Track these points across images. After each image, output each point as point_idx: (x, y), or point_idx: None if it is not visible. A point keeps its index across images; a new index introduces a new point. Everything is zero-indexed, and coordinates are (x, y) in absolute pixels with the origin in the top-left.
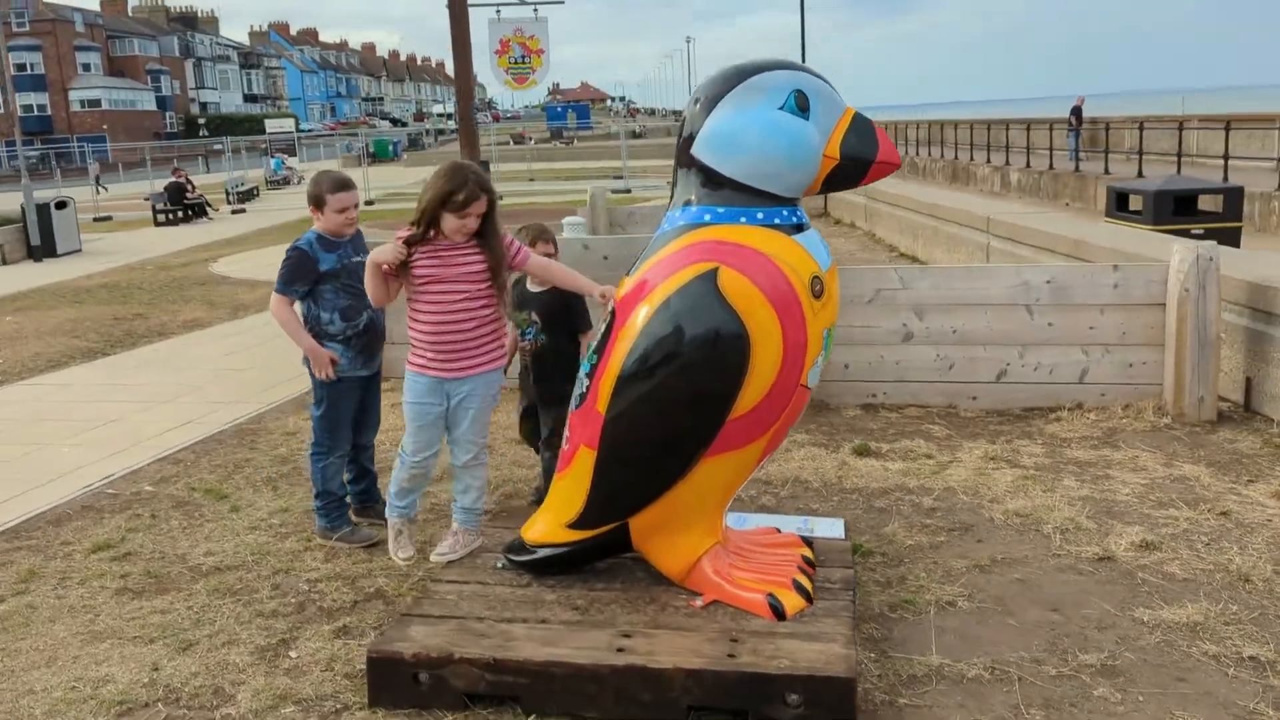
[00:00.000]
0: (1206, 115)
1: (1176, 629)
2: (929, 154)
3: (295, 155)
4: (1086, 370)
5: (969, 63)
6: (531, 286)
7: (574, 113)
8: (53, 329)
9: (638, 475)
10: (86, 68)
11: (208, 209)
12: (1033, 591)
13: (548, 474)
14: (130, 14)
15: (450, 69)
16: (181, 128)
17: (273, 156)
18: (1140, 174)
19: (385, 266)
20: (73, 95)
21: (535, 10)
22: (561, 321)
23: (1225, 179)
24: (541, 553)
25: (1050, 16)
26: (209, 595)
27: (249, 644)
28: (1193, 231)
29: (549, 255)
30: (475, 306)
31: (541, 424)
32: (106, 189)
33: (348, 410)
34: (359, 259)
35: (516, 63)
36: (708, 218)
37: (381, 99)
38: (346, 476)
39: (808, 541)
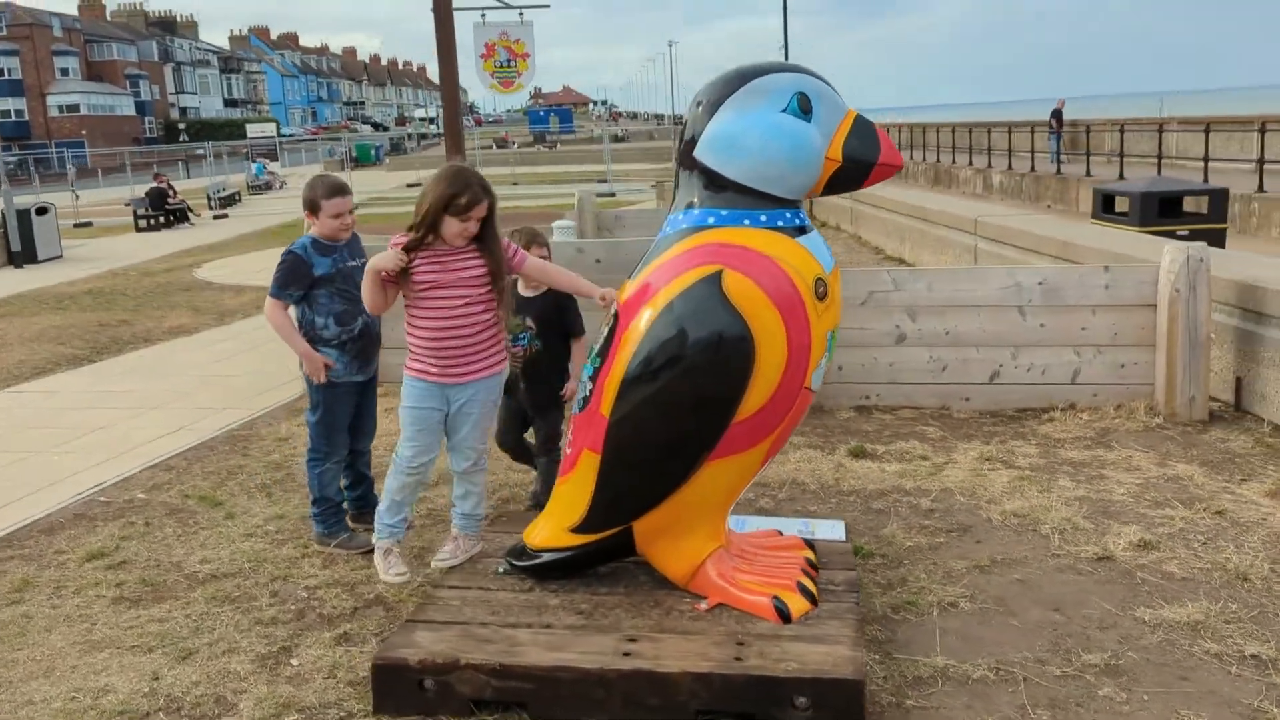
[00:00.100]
0: (1186, 118)
1: (1178, 628)
2: (911, 157)
3: (277, 160)
4: (1079, 371)
5: (950, 66)
6: (524, 291)
7: (556, 117)
8: (37, 335)
9: (642, 479)
10: (64, 72)
11: (189, 214)
12: (1033, 592)
13: (545, 479)
14: (108, 18)
15: (432, 73)
16: (161, 133)
17: (254, 161)
18: (1121, 176)
19: (385, 274)
20: (50, 100)
21: (520, 14)
22: (556, 326)
23: (1205, 180)
24: (545, 557)
25: (1030, 20)
26: (207, 603)
27: (249, 652)
28: (1178, 233)
29: (543, 259)
30: (476, 311)
31: (535, 430)
32: (77, 195)
33: (344, 415)
34: (354, 263)
35: (502, 67)
36: (711, 220)
37: (363, 103)
38: (343, 482)
39: (809, 544)
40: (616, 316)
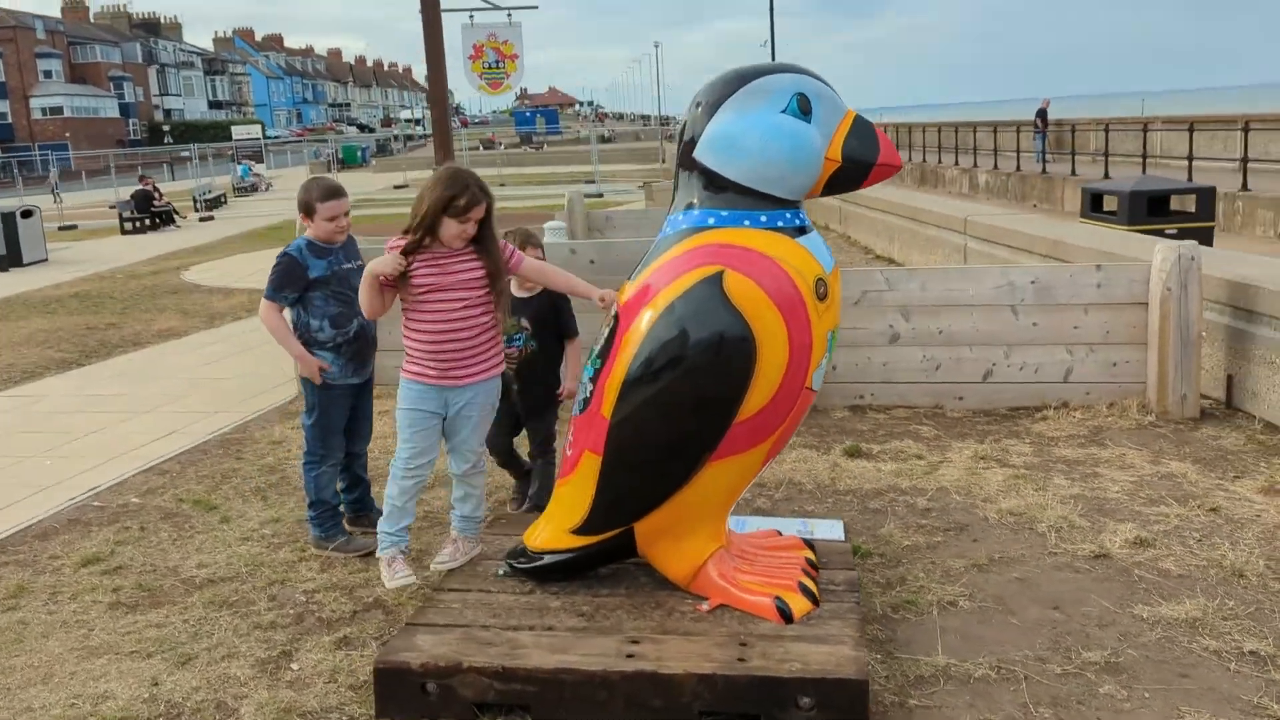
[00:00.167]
0: (1171, 117)
1: (1176, 625)
2: None
3: (262, 162)
4: (1071, 369)
5: (935, 66)
6: (518, 292)
7: (543, 118)
8: (24, 339)
9: (643, 480)
10: (48, 75)
11: (175, 217)
12: (1032, 590)
13: (543, 481)
14: (92, 20)
15: (418, 74)
16: (145, 135)
17: (240, 163)
18: (1106, 175)
19: (383, 278)
20: (34, 103)
21: (509, 15)
22: (551, 327)
23: (1190, 179)
24: (546, 559)
25: (1014, 21)
26: (205, 608)
27: (249, 657)
28: (1167, 231)
29: (538, 260)
30: (474, 314)
31: (529, 433)
32: (61, 199)
33: (340, 418)
34: (350, 266)
35: (490, 68)
36: (711, 221)
37: (348, 105)
38: (339, 485)
39: (809, 544)
40: (617, 318)
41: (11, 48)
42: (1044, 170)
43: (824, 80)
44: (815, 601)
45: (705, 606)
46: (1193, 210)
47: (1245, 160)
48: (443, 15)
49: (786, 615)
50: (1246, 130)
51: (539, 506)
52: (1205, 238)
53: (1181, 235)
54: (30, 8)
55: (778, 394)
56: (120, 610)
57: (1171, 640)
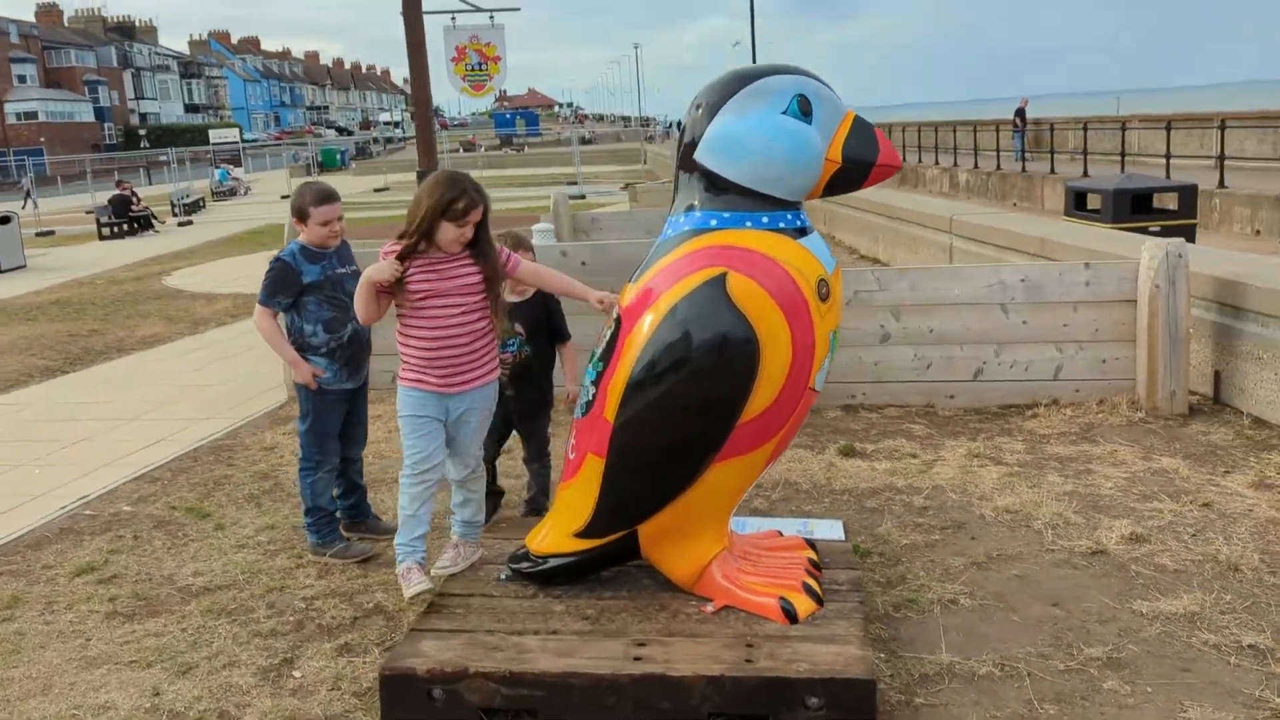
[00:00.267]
0: (1148, 115)
1: (1175, 620)
2: None
3: (240, 166)
4: (1061, 367)
5: (913, 66)
6: (510, 296)
7: (523, 120)
8: (6, 347)
9: (646, 482)
10: (22, 79)
11: (154, 222)
12: (1032, 587)
13: (539, 484)
14: (66, 24)
15: (396, 76)
16: (121, 139)
17: (218, 167)
18: (1085, 173)
19: (379, 284)
20: (8, 107)
21: (491, 17)
22: (544, 330)
23: (1167, 177)
24: (550, 563)
25: (991, 20)
26: (203, 616)
27: (250, 665)
28: (1150, 229)
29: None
30: (472, 320)
31: (524, 438)
32: (36, 204)
33: (334, 423)
34: (343, 270)
35: (473, 70)
36: (713, 223)
37: (326, 108)
38: (335, 491)
39: (810, 544)
40: (619, 320)
41: None
42: (1023, 169)
43: (824, 81)
44: (819, 601)
45: (710, 608)
46: (1175, 208)
47: (1222, 158)
48: (424, 17)
49: (792, 616)
50: (1223, 128)
51: (537, 510)
52: (1188, 235)
53: (1165, 233)
54: (3, 11)
55: (781, 395)
56: (117, 619)
57: (1171, 635)
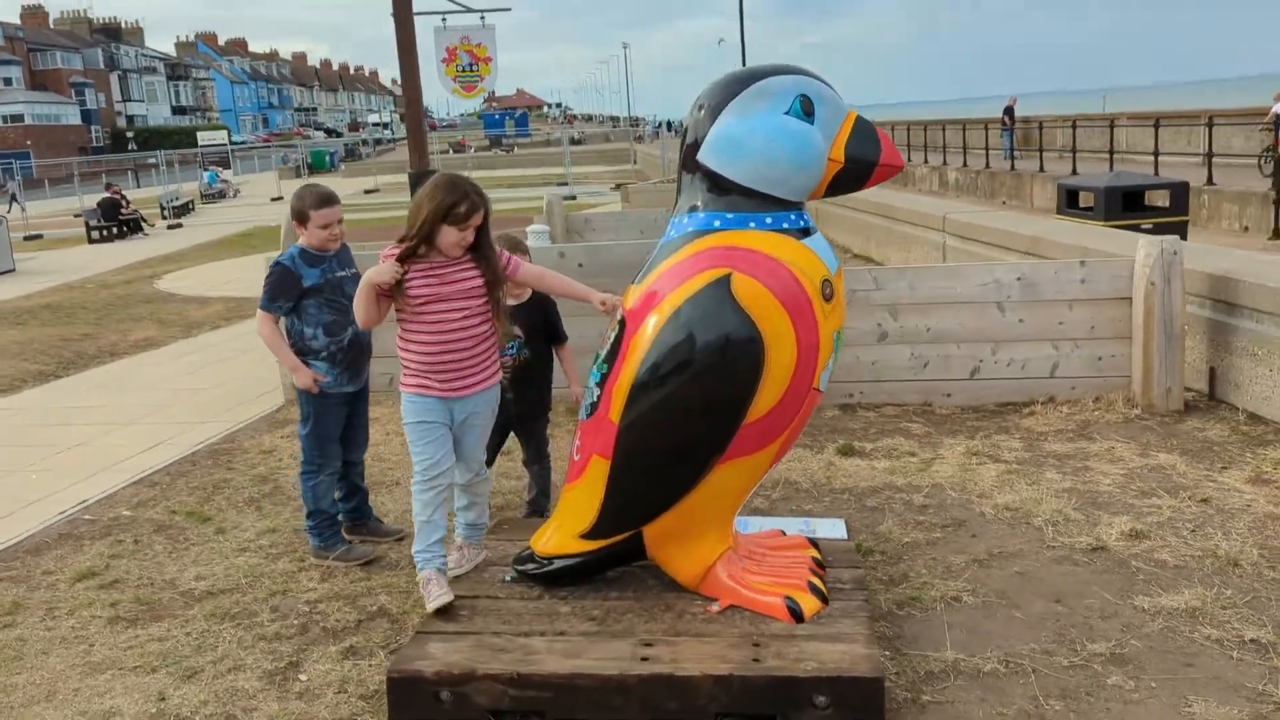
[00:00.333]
0: (1136, 113)
1: (1177, 615)
2: None
3: (229, 168)
4: (1057, 365)
5: (902, 65)
6: (507, 299)
7: (512, 120)
8: None
9: (652, 483)
10: (8, 82)
11: (143, 225)
12: (1034, 584)
13: (540, 485)
14: (52, 26)
15: (384, 78)
16: (108, 141)
17: (206, 169)
18: (1074, 171)
19: (380, 287)
20: None
21: (482, 18)
22: (542, 333)
23: (1156, 174)
24: (556, 564)
25: (979, 18)
26: (206, 620)
27: (256, 669)
28: (1142, 226)
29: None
30: (474, 324)
31: (523, 440)
32: (24, 208)
33: (335, 426)
34: (344, 273)
35: (464, 71)
36: (717, 223)
37: (315, 109)
38: (337, 494)
39: (813, 542)
40: (623, 322)
41: None
42: (1012, 167)
43: (825, 81)
44: (825, 600)
45: (716, 608)
46: (1166, 205)
47: (1210, 155)
48: (415, 18)
49: (797, 615)
50: (1210, 125)
51: (538, 512)
52: (1180, 232)
53: (1157, 230)
54: None
55: (786, 395)
56: (120, 624)
57: (1173, 630)
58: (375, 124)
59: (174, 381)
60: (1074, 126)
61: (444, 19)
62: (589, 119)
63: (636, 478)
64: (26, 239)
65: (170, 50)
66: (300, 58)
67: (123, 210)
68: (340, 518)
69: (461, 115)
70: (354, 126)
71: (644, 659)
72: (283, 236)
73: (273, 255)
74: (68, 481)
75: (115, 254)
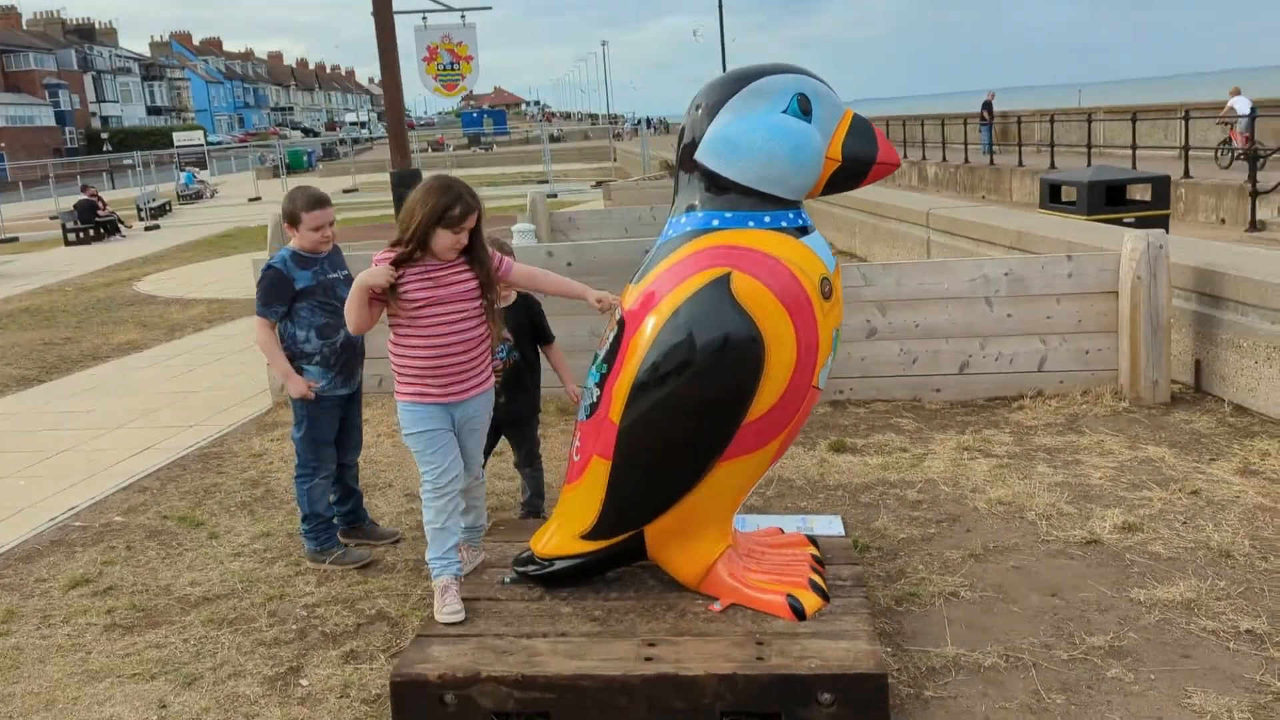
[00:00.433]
0: (1114, 107)
1: (1172, 607)
2: None
3: (206, 168)
4: (1045, 359)
5: (879, 61)
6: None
7: (490, 119)
8: None
9: (653, 483)
10: None
11: (120, 226)
12: (1030, 578)
13: (534, 487)
14: (25, 27)
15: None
16: (83, 143)
17: (183, 170)
18: (1053, 165)
19: (374, 291)
20: None
21: (463, 16)
22: (529, 335)
23: (1134, 167)
24: (557, 565)
25: (957, 13)
26: (204, 626)
27: (256, 674)
28: (1125, 220)
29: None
30: (470, 327)
31: (514, 443)
32: None
33: (329, 429)
34: (335, 275)
35: (446, 70)
36: (716, 223)
37: (291, 109)
38: (332, 498)
39: (811, 540)
40: (622, 322)
41: None
42: (991, 162)
43: (822, 80)
44: (826, 597)
45: (717, 606)
46: (1148, 199)
47: (1186, 148)
48: (395, 17)
49: (799, 612)
50: (1187, 119)
51: (534, 513)
52: (1162, 225)
53: (1140, 223)
54: None
55: (786, 394)
56: (117, 632)
57: (1169, 622)
58: (353, 123)
59: (159, 385)
60: (1052, 121)
61: (424, 18)
62: (567, 116)
63: (637, 478)
64: (2, 242)
65: (145, 50)
66: (276, 57)
67: (99, 212)
68: (336, 521)
69: (439, 114)
70: (331, 126)
71: (648, 659)
72: (269, 238)
73: (254, 256)
74: (57, 487)
75: (93, 256)
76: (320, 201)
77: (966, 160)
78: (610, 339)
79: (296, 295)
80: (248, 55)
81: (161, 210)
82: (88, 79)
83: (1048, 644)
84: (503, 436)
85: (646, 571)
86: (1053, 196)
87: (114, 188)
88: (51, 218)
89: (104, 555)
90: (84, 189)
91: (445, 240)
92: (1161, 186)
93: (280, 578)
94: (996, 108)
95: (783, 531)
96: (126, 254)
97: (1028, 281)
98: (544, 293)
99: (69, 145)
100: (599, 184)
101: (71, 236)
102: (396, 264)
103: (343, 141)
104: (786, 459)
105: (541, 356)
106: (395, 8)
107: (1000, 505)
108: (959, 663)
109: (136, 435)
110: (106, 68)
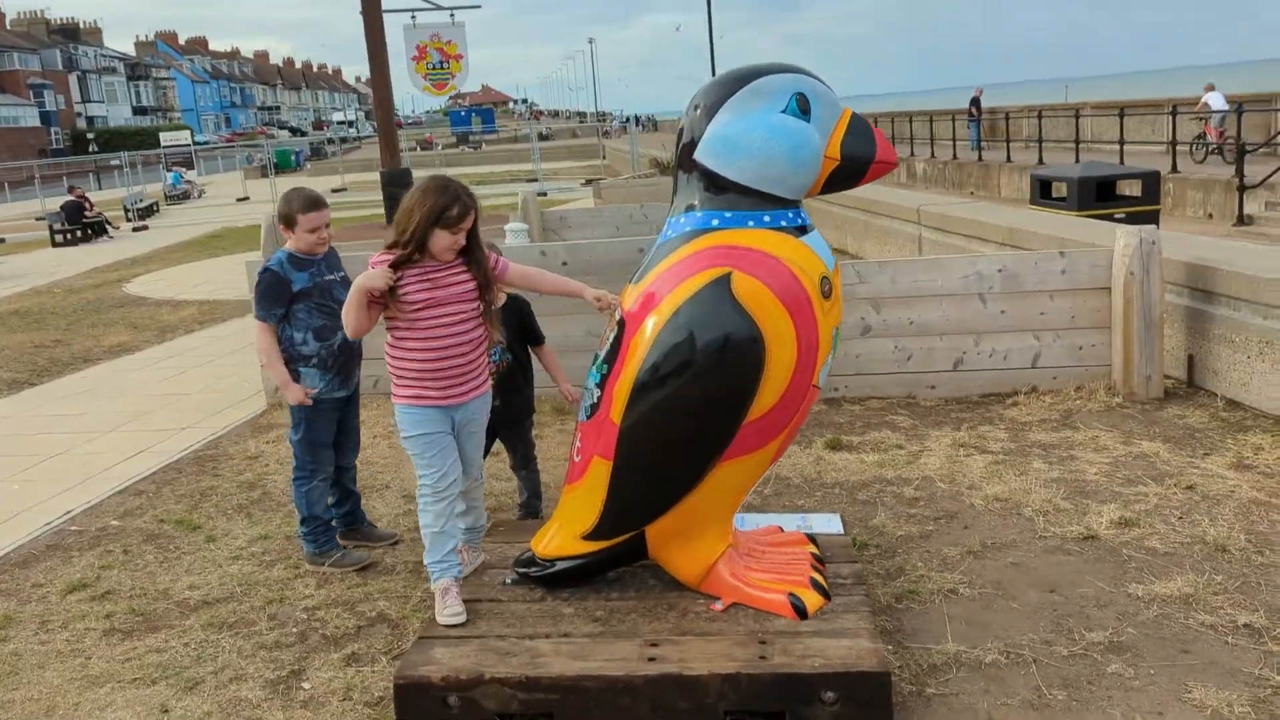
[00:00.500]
0: (1101, 102)
1: (1170, 602)
2: None
3: (193, 168)
4: (1039, 355)
5: (867, 57)
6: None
7: (479, 117)
8: None
9: (654, 484)
10: None
11: (108, 227)
12: (1028, 574)
13: (530, 488)
14: (9, 27)
15: (348, 75)
16: (69, 143)
17: (170, 170)
18: (1041, 160)
19: (372, 294)
20: None
21: (452, 15)
22: (519, 337)
23: (1121, 162)
24: (558, 565)
25: (945, 9)
26: (204, 630)
27: (258, 678)
28: (1115, 215)
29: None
30: (469, 328)
31: (509, 446)
32: None
33: (327, 432)
34: (332, 277)
35: (435, 69)
36: (715, 222)
37: (278, 108)
38: (330, 500)
39: (811, 538)
40: (622, 323)
41: None
42: (979, 158)
43: (820, 79)
44: (827, 595)
45: (719, 606)
46: (1139, 194)
47: (1174, 143)
48: (384, 16)
49: (801, 611)
50: (1174, 114)
51: (532, 514)
52: (1152, 221)
53: (1130, 219)
54: None
55: (786, 393)
56: (116, 636)
57: (1168, 617)
58: (340, 122)
59: (152, 387)
60: (1040, 116)
61: (414, 17)
62: (555, 115)
63: (638, 478)
64: None
65: (130, 50)
66: (262, 56)
67: (86, 213)
68: (334, 523)
69: (427, 112)
70: (318, 125)
71: (651, 659)
72: (262, 240)
73: (247, 258)
74: (51, 491)
75: (81, 258)
76: (316, 203)
77: (955, 156)
78: (610, 340)
79: (294, 297)
80: (234, 54)
81: (149, 211)
82: (73, 79)
83: (1048, 640)
84: (498, 439)
85: (648, 571)
86: (1043, 192)
87: (100, 188)
88: (38, 219)
89: (101, 559)
90: (70, 190)
91: (443, 241)
92: (1151, 182)
93: (279, 580)
94: (985, 104)
95: (782, 530)
96: (115, 255)
97: (1021, 278)
98: (540, 292)
99: (54, 146)
100: (589, 182)
101: (59, 238)
102: (395, 266)
103: (330, 141)
104: (784, 457)
105: (533, 358)
106: (384, 6)
107: (997, 502)
108: (960, 660)
109: (130, 438)
110: (91, 67)
